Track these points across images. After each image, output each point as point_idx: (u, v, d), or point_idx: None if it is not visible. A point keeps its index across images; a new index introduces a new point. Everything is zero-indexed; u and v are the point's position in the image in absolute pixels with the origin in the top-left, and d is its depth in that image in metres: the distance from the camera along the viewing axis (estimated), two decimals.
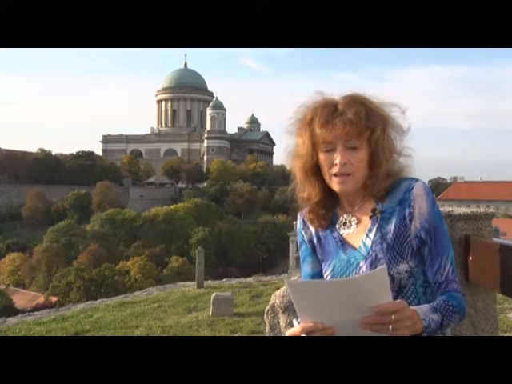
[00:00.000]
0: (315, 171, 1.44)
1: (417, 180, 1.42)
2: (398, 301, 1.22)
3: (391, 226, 1.40)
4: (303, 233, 1.56)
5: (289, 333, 1.25)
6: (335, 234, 1.48)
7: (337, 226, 1.49)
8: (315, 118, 1.40)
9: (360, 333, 1.20)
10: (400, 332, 1.19)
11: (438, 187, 77.73)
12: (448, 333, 1.43)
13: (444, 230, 1.41)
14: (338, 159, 1.37)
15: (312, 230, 1.54)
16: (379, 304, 1.17)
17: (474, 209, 1.98)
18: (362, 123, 1.36)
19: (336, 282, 1.27)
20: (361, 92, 1.43)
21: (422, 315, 1.25)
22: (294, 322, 1.26)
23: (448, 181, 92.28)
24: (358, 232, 1.45)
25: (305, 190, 1.49)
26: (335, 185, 1.40)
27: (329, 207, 1.50)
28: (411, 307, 1.25)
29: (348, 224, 1.47)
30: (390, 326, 1.17)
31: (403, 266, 1.38)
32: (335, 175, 1.39)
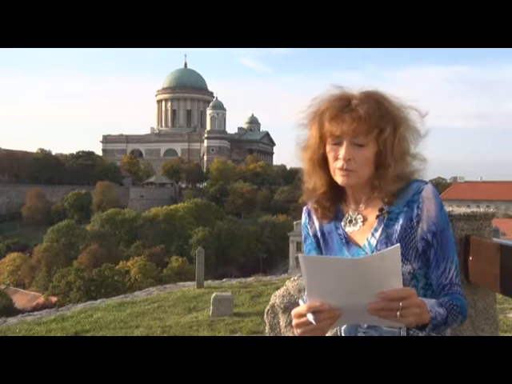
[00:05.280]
0: (322, 163, 1.44)
1: (426, 182, 1.41)
2: (407, 288, 1.22)
3: (397, 227, 1.39)
4: (308, 227, 1.56)
5: (294, 311, 1.24)
6: (340, 231, 1.48)
7: (342, 223, 1.48)
8: (326, 110, 1.39)
9: (366, 317, 1.19)
10: (407, 319, 1.17)
11: (438, 187, 77.05)
12: (448, 333, 1.43)
13: (450, 233, 1.41)
14: (342, 154, 1.37)
15: (317, 224, 1.54)
16: (388, 290, 1.16)
17: (474, 209, 1.98)
18: (371, 121, 1.35)
19: (349, 259, 1.25)
20: (382, 90, 1.42)
21: (429, 306, 1.25)
22: (300, 301, 1.25)
23: (448, 181, 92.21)
24: (364, 230, 1.44)
25: (311, 181, 1.49)
26: (338, 177, 1.40)
27: (334, 200, 1.49)
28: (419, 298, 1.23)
29: (354, 222, 1.46)
30: (398, 313, 1.16)
31: (406, 268, 1.37)
32: (339, 169, 1.39)
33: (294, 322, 1.24)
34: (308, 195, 1.53)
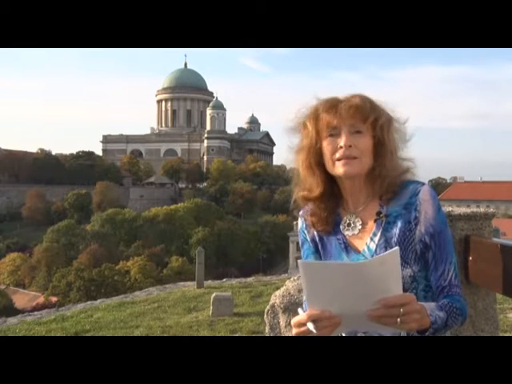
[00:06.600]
0: (318, 160, 1.42)
1: (423, 184, 1.41)
2: (406, 294, 1.21)
3: (396, 230, 1.38)
4: (305, 232, 1.54)
5: (294, 321, 1.23)
6: (339, 236, 1.46)
7: (341, 227, 1.46)
8: (320, 106, 1.40)
9: (367, 324, 1.19)
10: (408, 325, 1.17)
11: (437, 187, 77.66)
12: (448, 333, 1.43)
13: (448, 235, 1.40)
14: (343, 142, 1.36)
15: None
16: (388, 297, 1.16)
17: (474, 209, 1.98)
18: (366, 108, 1.37)
19: (349, 264, 1.24)
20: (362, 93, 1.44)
21: (429, 310, 1.25)
22: (299, 310, 1.25)
23: (448, 181, 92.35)
24: (363, 235, 1.43)
25: (305, 187, 1.47)
26: (339, 168, 1.38)
27: (331, 208, 1.47)
28: (419, 302, 1.23)
29: (352, 225, 1.45)
30: (399, 319, 1.15)
31: (407, 271, 1.37)
32: (339, 159, 1.37)
33: (294, 331, 1.22)
34: (302, 202, 1.51)
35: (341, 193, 1.47)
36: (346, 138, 1.36)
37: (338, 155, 1.37)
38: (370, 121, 1.37)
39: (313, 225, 1.51)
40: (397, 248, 1.17)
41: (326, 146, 1.40)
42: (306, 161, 1.44)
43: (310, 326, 1.18)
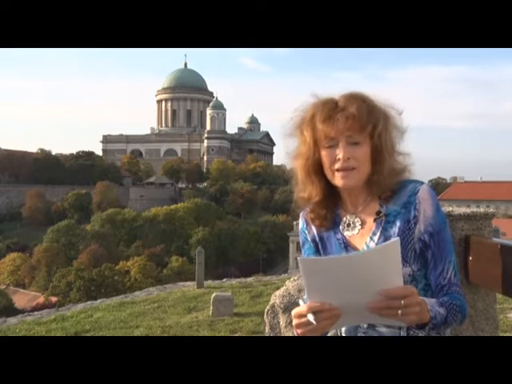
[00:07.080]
0: (317, 169, 1.43)
1: (422, 183, 1.42)
2: (408, 286, 1.22)
3: (395, 229, 1.39)
4: (306, 232, 1.55)
5: (294, 312, 1.24)
6: (338, 236, 1.47)
7: (340, 228, 1.48)
8: (316, 114, 1.39)
9: (367, 316, 1.19)
10: (408, 318, 1.18)
11: (437, 187, 77.67)
12: (448, 333, 1.43)
13: (447, 233, 1.41)
14: (341, 154, 1.36)
15: (314, 229, 1.53)
16: (389, 288, 1.16)
17: (474, 209, 1.98)
18: (364, 118, 1.36)
19: (348, 256, 1.24)
20: (359, 91, 1.43)
21: (429, 306, 1.25)
22: (300, 301, 1.25)
23: (448, 181, 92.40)
24: (362, 234, 1.44)
25: (305, 190, 1.48)
26: (338, 180, 1.38)
27: (330, 207, 1.48)
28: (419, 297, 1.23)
29: (352, 225, 1.46)
30: (399, 311, 1.16)
31: (406, 270, 1.37)
32: (338, 170, 1.37)
33: (294, 322, 1.23)
34: (303, 204, 1.52)
35: (340, 195, 1.48)
36: (344, 151, 1.36)
37: (336, 166, 1.38)
38: (367, 130, 1.37)
39: (312, 221, 1.52)
40: (397, 238, 1.17)
41: (325, 156, 1.40)
42: (305, 168, 1.45)
43: (310, 317, 1.19)
